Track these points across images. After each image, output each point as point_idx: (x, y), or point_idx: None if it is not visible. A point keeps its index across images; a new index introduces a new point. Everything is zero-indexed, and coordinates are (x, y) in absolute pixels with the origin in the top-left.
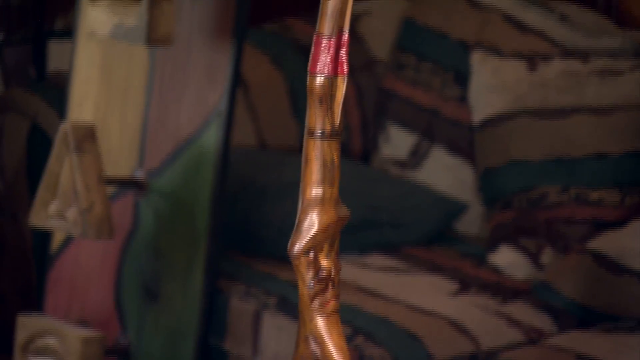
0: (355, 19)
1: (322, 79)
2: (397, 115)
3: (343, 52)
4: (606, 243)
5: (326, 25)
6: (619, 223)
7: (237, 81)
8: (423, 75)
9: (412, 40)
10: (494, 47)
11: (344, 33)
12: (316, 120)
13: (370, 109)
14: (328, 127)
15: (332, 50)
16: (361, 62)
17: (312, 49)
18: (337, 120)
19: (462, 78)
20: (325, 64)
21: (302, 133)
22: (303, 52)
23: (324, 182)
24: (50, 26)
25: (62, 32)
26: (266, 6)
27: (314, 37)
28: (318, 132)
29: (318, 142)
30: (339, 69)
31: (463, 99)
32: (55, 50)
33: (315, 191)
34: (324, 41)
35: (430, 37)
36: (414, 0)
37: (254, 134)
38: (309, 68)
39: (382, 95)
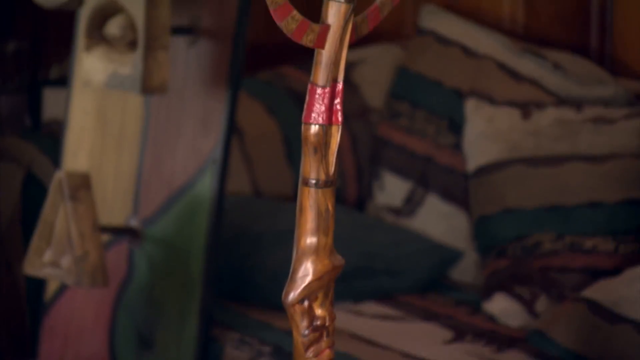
0: (349, 67)
1: (317, 128)
2: (392, 162)
3: (337, 101)
4: (601, 291)
5: (320, 75)
6: (614, 271)
7: (232, 129)
8: (417, 123)
9: (406, 89)
10: (488, 95)
11: (339, 82)
12: (311, 169)
13: (364, 156)
14: (322, 176)
15: (326, 99)
16: (356, 110)
17: (307, 99)
18: (332, 169)
19: (456, 126)
20: (319, 113)
21: (297, 181)
22: (298, 100)
23: (318, 231)
24: (45, 75)
25: (57, 80)
26: (260, 54)
27: (309, 87)
28: (312, 180)
29: (312, 190)
30: (334, 118)
31: (457, 147)
32: (50, 98)
33: (310, 240)
34: (319, 90)
35: (425, 85)
36: (408, 48)
37: (248, 181)
38: (303, 117)
39: (376, 143)
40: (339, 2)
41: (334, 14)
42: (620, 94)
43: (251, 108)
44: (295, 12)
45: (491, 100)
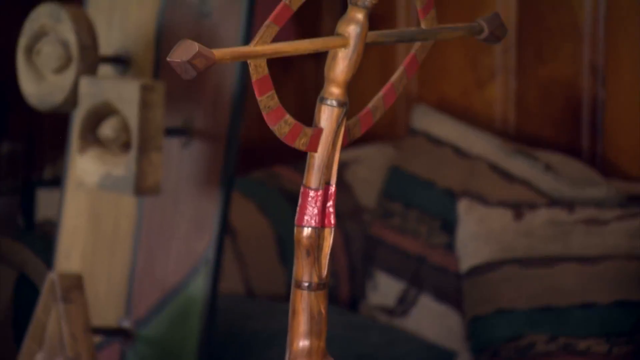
0: (342, 167)
1: (309, 231)
2: (385, 262)
3: (330, 204)
4: None
5: (313, 178)
6: None
7: (225, 229)
8: (410, 223)
9: (399, 188)
10: (480, 195)
11: (331, 185)
12: (303, 272)
13: (357, 256)
14: (315, 279)
15: (319, 202)
16: (349, 210)
17: (300, 201)
18: (324, 271)
19: (448, 226)
20: (312, 216)
21: (290, 280)
22: (290, 200)
23: (311, 334)
24: (39, 175)
25: (50, 181)
26: (253, 154)
27: (301, 190)
28: (305, 283)
29: (305, 293)
30: (326, 220)
31: (450, 247)
32: (43, 199)
33: (303, 343)
34: (311, 193)
35: (417, 185)
36: (401, 148)
37: (241, 281)
38: (296, 220)
39: (369, 243)
40: (332, 106)
41: (327, 117)
42: (612, 195)
43: (244, 208)
44: (288, 116)
45: (483, 200)
